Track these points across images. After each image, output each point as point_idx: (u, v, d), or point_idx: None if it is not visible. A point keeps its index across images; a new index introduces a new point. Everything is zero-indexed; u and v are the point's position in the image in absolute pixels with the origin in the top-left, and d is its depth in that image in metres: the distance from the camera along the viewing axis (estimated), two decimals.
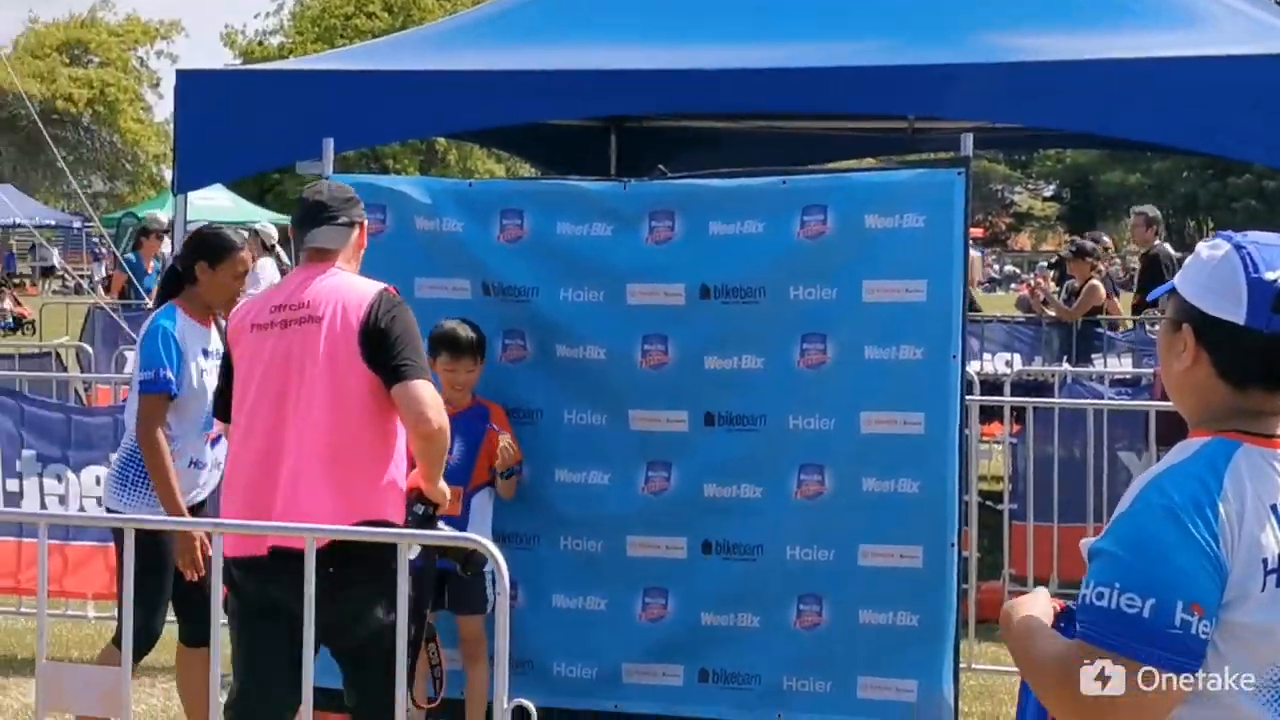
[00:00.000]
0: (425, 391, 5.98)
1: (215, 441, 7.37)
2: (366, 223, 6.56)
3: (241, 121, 11.29)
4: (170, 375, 7.16)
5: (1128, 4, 11.08)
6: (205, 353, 7.34)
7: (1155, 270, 16.72)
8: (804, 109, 12.41)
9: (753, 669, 7.31)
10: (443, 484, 6.18)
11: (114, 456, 7.72)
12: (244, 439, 6.25)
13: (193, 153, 11.49)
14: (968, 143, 7.14)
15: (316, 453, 6.03)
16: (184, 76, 11.73)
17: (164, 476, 7.10)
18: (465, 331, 7.42)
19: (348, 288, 6.19)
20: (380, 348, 6.02)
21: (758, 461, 7.29)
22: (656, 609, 7.45)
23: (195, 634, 7.29)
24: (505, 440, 7.41)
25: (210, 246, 7.42)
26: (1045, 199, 76.71)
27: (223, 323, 7.38)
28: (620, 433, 7.45)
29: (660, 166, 7.67)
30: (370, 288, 6.16)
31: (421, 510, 6.14)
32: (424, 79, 11.06)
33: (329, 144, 7.89)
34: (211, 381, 7.06)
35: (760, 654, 7.30)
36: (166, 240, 19.57)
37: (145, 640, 7.21)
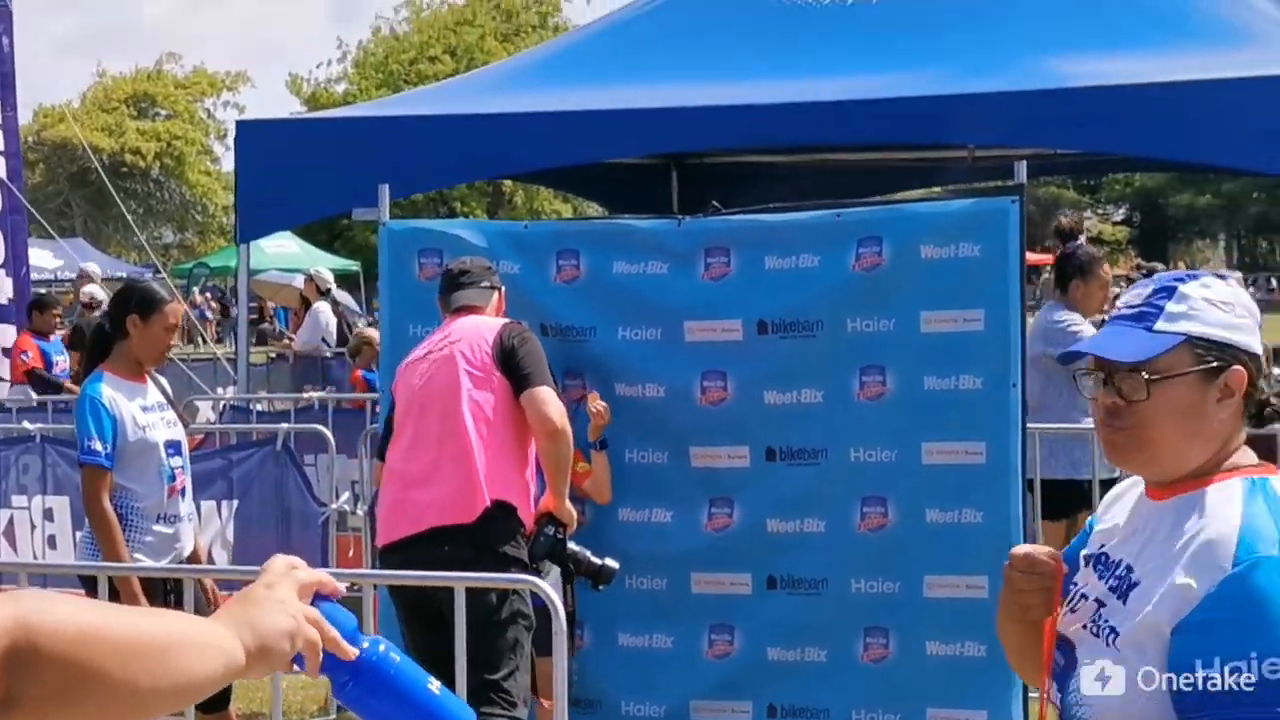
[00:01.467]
0: (548, 395, 6.75)
1: (183, 493, 7.36)
2: (503, 290, 7.31)
3: (300, 169, 11.36)
4: (98, 446, 7.08)
5: (1184, 25, 11.03)
6: (144, 409, 7.28)
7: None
8: (864, 141, 12.38)
9: (821, 703, 7.29)
10: (569, 504, 6.79)
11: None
12: (394, 449, 7.04)
13: (253, 201, 11.58)
14: (1021, 170, 7.11)
15: (457, 445, 6.78)
16: (243, 126, 11.85)
17: (112, 547, 7.02)
18: None
19: (482, 322, 7.04)
20: (510, 363, 6.83)
21: (820, 495, 7.27)
22: (723, 645, 7.43)
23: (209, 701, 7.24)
24: (596, 401, 7.44)
25: (141, 300, 7.36)
26: (1115, 223, 76.33)
27: (161, 379, 7.57)
28: (682, 470, 7.45)
29: (714, 203, 7.68)
30: (500, 320, 7.02)
31: (552, 530, 6.78)
32: (481, 122, 11.10)
33: (384, 190, 7.92)
34: (158, 436, 7.25)
35: (828, 688, 7.27)
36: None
37: None
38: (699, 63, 11.64)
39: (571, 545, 6.89)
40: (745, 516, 7.37)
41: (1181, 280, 3.13)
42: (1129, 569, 3.06)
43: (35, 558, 9.72)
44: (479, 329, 6.97)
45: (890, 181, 15.97)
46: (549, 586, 5.07)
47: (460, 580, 5.41)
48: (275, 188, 11.42)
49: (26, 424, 10.25)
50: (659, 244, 7.49)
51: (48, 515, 9.88)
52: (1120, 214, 76.97)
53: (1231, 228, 73.04)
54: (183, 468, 7.38)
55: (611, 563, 6.94)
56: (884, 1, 11.62)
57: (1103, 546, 3.22)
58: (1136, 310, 3.12)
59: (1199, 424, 3.07)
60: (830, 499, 7.25)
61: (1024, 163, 7.12)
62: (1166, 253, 68.15)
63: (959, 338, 7.05)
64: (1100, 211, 75.83)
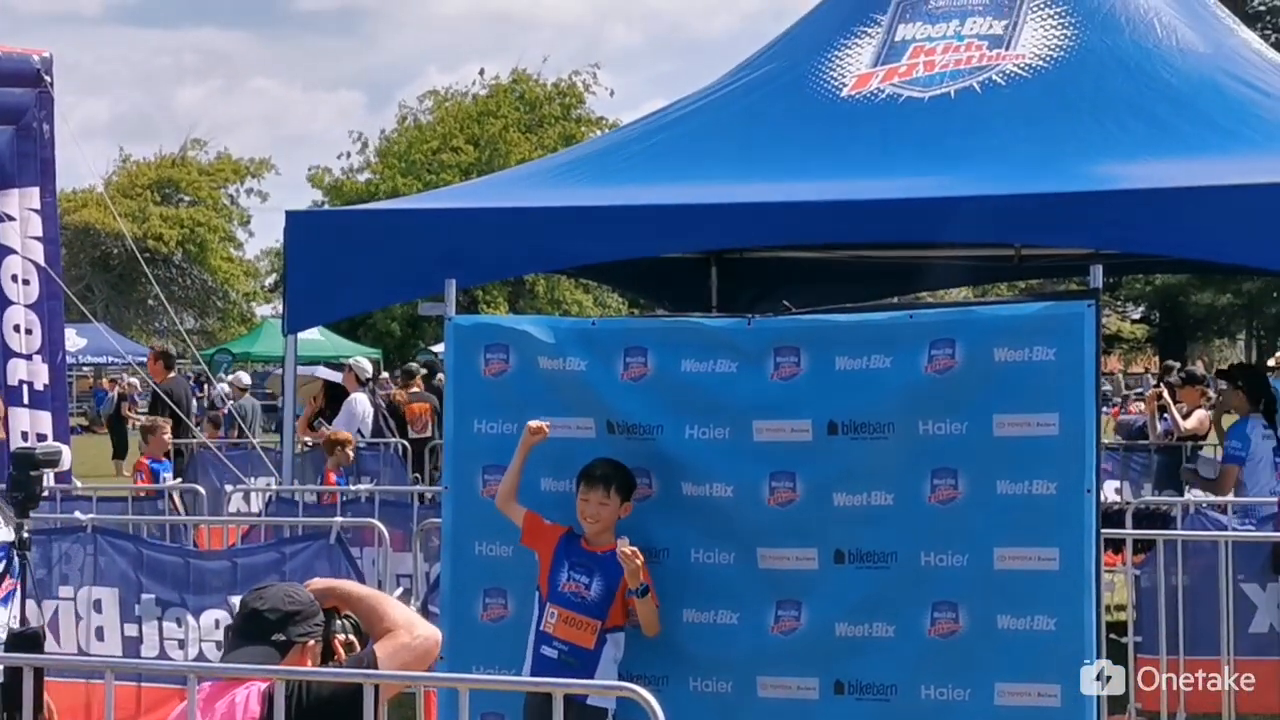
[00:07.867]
0: None
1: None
2: (312, 644, 5.29)
3: (351, 261, 11.34)
4: None
5: (1237, 130, 11.09)
6: None
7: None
8: (911, 240, 12.36)
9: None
10: None
11: None
12: None
13: (303, 292, 11.55)
14: (1097, 274, 7.04)
15: None
16: (294, 217, 11.78)
17: None
18: (600, 467, 7.43)
19: None
20: None
21: (889, 599, 7.18)
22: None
23: None
24: (624, 545, 7.25)
25: None
26: (1134, 321, 76.24)
27: None
28: (749, 571, 7.37)
29: (785, 302, 7.63)
30: None
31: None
32: (532, 216, 11.11)
33: (451, 284, 7.86)
34: None
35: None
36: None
37: None
38: (740, 160, 11.66)
39: None
40: (813, 620, 7.28)
41: None
42: None
43: (80, 650, 9.65)
44: None
45: (933, 279, 15.96)
46: (648, 692, 4.89)
47: (560, 687, 5.19)
48: (326, 279, 11.39)
49: (78, 514, 10.17)
50: (728, 342, 7.43)
51: (95, 607, 9.81)
52: (1138, 312, 76.85)
53: (1252, 327, 72.81)
54: None
55: None
56: (936, 100, 11.62)
57: None
58: None
59: None
60: (900, 603, 7.15)
61: (1099, 267, 7.06)
62: (1185, 351, 67.97)
63: (1032, 442, 6.97)
64: (1120, 310, 75.80)
